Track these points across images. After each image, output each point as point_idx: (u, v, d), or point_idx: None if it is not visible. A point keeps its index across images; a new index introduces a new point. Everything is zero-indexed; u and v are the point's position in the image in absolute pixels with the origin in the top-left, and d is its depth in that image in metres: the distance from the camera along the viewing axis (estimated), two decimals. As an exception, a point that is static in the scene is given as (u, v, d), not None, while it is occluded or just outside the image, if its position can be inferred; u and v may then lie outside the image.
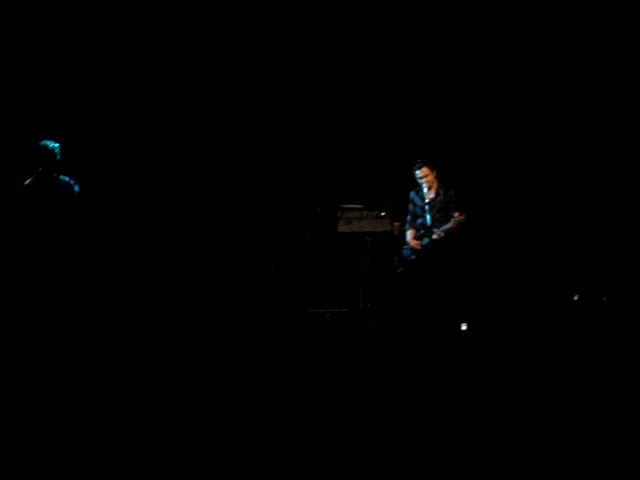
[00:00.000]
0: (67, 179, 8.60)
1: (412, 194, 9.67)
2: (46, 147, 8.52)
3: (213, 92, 10.62)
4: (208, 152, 10.61)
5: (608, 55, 10.47)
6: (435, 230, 9.38)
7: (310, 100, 10.74)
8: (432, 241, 9.41)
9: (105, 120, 10.36)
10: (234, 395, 6.55)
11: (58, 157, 8.54)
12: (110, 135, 10.34)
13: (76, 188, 8.58)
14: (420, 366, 7.75)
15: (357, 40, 10.61)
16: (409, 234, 9.67)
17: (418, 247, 9.54)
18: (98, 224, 9.71)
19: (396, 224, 9.78)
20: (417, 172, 9.51)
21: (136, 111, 10.44)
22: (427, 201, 9.45)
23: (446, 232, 9.33)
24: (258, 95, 10.66)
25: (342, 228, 9.77)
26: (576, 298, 10.31)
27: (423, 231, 9.51)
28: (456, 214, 9.27)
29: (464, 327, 9.33)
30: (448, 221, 9.31)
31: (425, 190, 9.48)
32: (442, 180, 9.59)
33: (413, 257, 9.59)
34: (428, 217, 9.44)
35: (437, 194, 9.52)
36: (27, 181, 8.53)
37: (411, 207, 9.69)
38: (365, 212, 9.73)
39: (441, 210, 9.44)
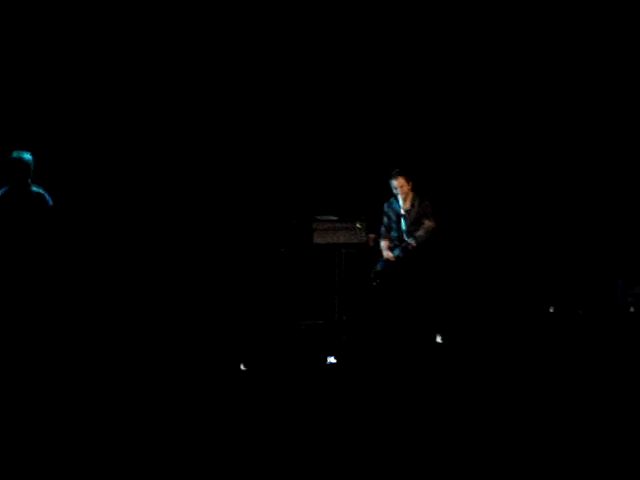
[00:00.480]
0: (40, 190, 8.53)
1: (385, 206, 9.68)
2: (20, 158, 8.46)
3: (189, 106, 10.57)
4: (183, 164, 10.57)
5: (586, 56, 10.55)
6: (408, 240, 9.38)
7: (284, 113, 10.73)
8: (404, 250, 9.41)
9: (81, 129, 10.29)
10: (214, 406, 6.53)
11: (31, 168, 8.48)
12: (85, 146, 10.28)
13: (49, 200, 8.51)
14: (394, 378, 7.74)
15: (332, 54, 10.62)
16: (383, 245, 9.67)
17: (392, 259, 9.55)
18: (73, 236, 9.64)
19: (371, 236, 9.78)
20: (393, 182, 9.52)
21: (114, 124, 10.38)
22: (402, 212, 9.46)
23: (416, 240, 9.35)
24: (232, 108, 10.64)
25: (317, 240, 9.76)
26: (552, 310, 10.35)
27: (397, 242, 9.52)
28: (426, 221, 9.31)
29: (439, 339, 9.35)
30: (420, 231, 9.38)
31: (401, 201, 9.49)
32: (418, 191, 9.60)
33: (388, 269, 9.59)
34: (403, 228, 9.44)
35: (412, 205, 9.54)
36: (-1, 193, 8.46)
37: (385, 219, 9.69)
38: (340, 224, 9.75)
39: (415, 222, 9.45)
